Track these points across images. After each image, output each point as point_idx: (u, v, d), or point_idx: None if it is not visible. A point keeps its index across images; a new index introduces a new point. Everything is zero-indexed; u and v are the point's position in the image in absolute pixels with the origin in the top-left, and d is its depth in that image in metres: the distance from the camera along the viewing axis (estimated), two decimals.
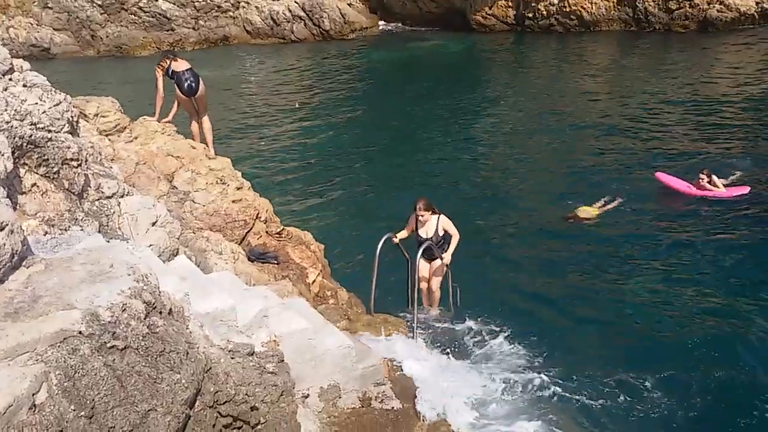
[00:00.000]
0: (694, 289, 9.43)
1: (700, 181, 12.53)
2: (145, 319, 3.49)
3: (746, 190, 12.42)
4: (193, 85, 8.86)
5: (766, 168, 13.40)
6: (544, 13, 32.37)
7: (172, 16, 34.35)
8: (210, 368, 3.77)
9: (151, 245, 5.20)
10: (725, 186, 12.53)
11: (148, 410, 3.25)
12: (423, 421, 5.30)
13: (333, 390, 5.10)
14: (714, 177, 12.52)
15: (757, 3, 28.66)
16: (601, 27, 31.30)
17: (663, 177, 13.10)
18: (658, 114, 17.99)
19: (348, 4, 36.52)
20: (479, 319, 8.74)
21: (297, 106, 22.21)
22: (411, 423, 5.20)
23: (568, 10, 31.77)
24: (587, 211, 11.74)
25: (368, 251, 7.66)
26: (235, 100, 23.65)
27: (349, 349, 5.29)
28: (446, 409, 5.60)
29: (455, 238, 8.51)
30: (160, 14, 34.19)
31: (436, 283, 8.88)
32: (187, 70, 8.86)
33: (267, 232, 8.00)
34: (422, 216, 8.48)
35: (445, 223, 8.52)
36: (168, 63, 8.85)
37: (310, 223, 11.33)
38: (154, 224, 5.48)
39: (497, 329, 8.43)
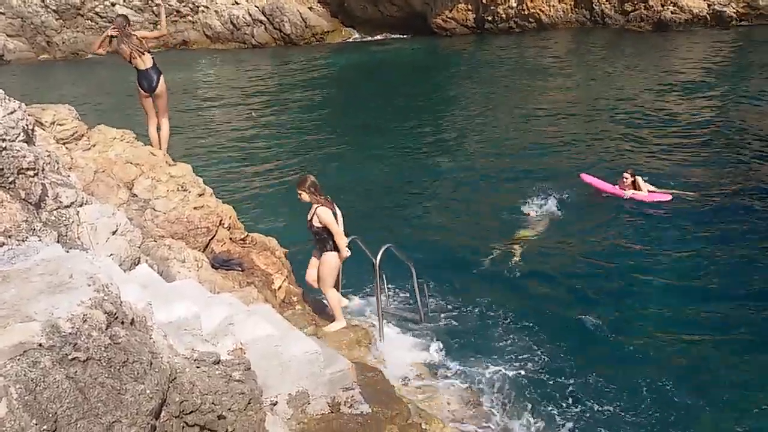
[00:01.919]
0: (636, 294, 9.52)
1: (624, 180, 12.41)
2: (106, 329, 3.42)
3: (668, 197, 12.31)
4: (153, 81, 8.71)
5: (698, 176, 13.38)
6: (504, 16, 32.78)
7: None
8: (175, 378, 3.71)
9: (111, 254, 5.11)
10: (650, 191, 12.40)
11: (113, 422, 3.19)
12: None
13: (301, 396, 5.06)
14: (638, 178, 12.43)
15: (708, 5, 29.43)
16: (559, 29, 31.82)
17: (587, 178, 13.02)
18: (605, 113, 18.33)
19: (309, 8, 36.47)
20: (446, 321, 8.81)
21: (254, 115, 22.11)
22: (381, 427, 5.19)
23: (526, 12, 32.22)
24: (520, 236, 11.37)
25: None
26: (195, 104, 23.45)
27: (317, 354, 5.26)
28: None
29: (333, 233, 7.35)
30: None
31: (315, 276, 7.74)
32: (151, 68, 8.72)
33: (231, 238, 7.93)
34: (299, 196, 7.42)
35: (319, 215, 7.27)
36: (121, 47, 8.58)
37: (273, 228, 11.26)
38: (114, 233, 5.38)
39: (467, 333, 8.52)
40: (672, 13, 29.84)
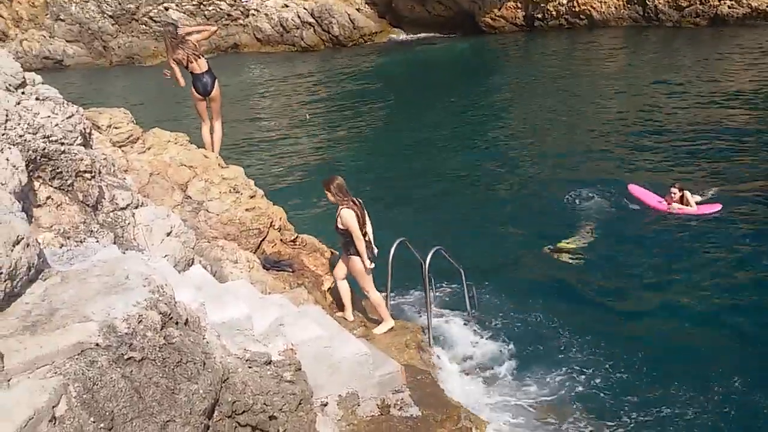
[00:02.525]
0: (673, 311, 9.21)
1: (672, 196, 11.97)
2: (161, 330, 3.49)
3: (718, 207, 11.77)
4: (209, 86, 8.85)
5: (747, 182, 12.82)
6: (554, 13, 32.29)
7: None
8: (227, 378, 3.76)
9: (166, 255, 5.20)
10: (698, 203, 11.92)
11: (167, 421, 3.24)
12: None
13: (351, 398, 5.08)
14: (686, 193, 11.96)
15: None
16: (611, 26, 31.17)
17: (635, 190, 12.60)
18: (656, 119, 17.65)
19: (357, 9, 36.60)
20: (496, 326, 8.72)
21: (308, 117, 22.28)
22: (431, 430, 5.16)
23: (577, 9, 31.66)
24: (565, 246, 11.05)
25: (383, 257, 7.61)
26: (246, 107, 23.76)
27: (366, 356, 5.26)
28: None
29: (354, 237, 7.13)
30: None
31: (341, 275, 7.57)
32: (206, 72, 8.86)
33: (281, 240, 7.99)
34: (326, 195, 7.28)
35: (341, 217, 7.08)
36: (177, 53, 8.73)
37: (324, 230, 11.31)
38: (168, 234, 5.49)
39: (514, 337, 8.43)
40: (729, 7, 28.95)
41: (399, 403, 5.31)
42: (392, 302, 8.02)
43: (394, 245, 7.73)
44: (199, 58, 8.83)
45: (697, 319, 8.91)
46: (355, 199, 7.18)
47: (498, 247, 11.25)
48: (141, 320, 3.43)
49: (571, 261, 10.68)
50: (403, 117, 21.08)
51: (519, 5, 33.23)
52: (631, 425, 6.98)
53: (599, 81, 22.87)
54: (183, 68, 8.90)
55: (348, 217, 6.98)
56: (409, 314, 8.77)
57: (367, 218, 7.28)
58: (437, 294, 9.08)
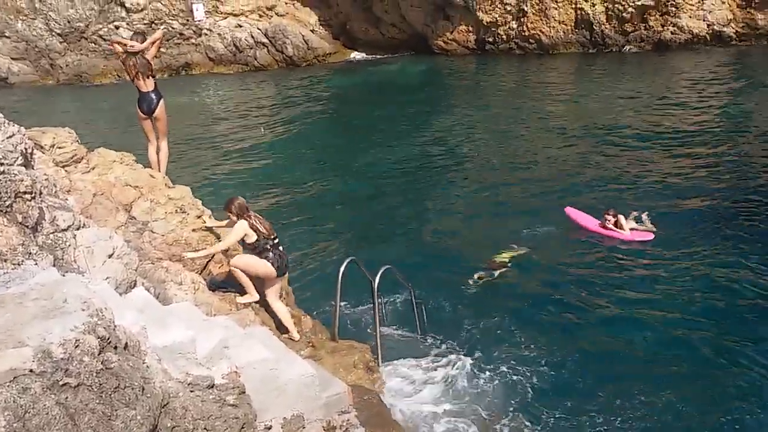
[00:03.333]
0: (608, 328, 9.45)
1: (607, 222, 12.27)
2: (99, 354, 3.42)
3: (650, 236, 12.06)
4: (153, 104, 8.78)
5: (689, 212, 13.06)
6: (504, 37, 33.01)
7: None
8: (167, 403, 3.71)
9: (107, 278, 5.11)
10: (632, 229, 12.18)
11: None
12: None
13: (296, 420, 5.04)
14: (620, 217, 12.23)
15: (708, 25, 29.65)
16: (560, 50, 31.99)
17: (572, 213, 12.88)
18: (600, 140, 18.21)
19: (311, 30, 36.77)
20: (445, 343, 8.81)
21: (262, 131, 22.21)
22: None
23: (527, 34, 32.43)
24: (501, 257, 11.35)
25: (332, 276, 7.63)
26: (196, 127, 23.55)
27: (312, 377, 5.24)
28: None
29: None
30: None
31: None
32: (152, 90, 8.80)
33: (228, 260, 7.92)
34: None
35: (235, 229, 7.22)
36: (129, 61, 8.72)
37: None
38: (110, 256, 5.39)
39: (462, 352, 8.53)
40: (672, 33, 30.03)
41: (345, 424, 5.29)
42: (341, 322, 8.01)
43: (344, 264, 7.75)
44: (148, 78, 8.78)
45: (633, 329, 9.21)
46: (255, 215, 7.34)
47: (444, 265, 11.37)
48: (78, 345, 3.37)
49: (510, 276, 10.91)
50: (354, 137, 21.24)
51: (471, 29, 33.88)
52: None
53: (545, 104, 23.44)
54: (130, 81, 8.88)
55: (237, 226, 7.14)
56: (358, 334, 8.78)
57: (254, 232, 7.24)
58: (386, 311, 9.13)
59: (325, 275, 10.33)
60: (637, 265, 11.30)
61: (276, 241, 7.31)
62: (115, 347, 3.62)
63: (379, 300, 7.90)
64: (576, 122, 20.49)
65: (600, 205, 13.09)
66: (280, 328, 7.36)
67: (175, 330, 4.71)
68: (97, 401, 3.23)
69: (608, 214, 12.31)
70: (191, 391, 4.14)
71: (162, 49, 34.41)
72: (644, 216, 12.59)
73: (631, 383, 8.00)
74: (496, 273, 10.90)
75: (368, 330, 8.74)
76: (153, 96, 8.84)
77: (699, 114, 19.83)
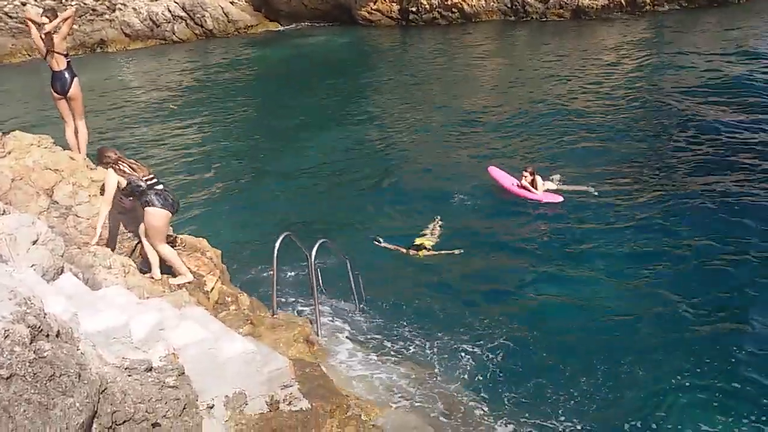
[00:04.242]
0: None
1: (523, 179, 12.61)
2: (30, 344, 3.31)
3: (560, 198, 12.43)
4: (66, 84, 8.39)
5: (604, 171, 13.52)
6: (427, 7, 33.05)
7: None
8: (105, 388, 3.62)
9: (33, 265, 4.93)
10: (545, 191, 12.57)
11: None
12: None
13: (239, 397, 5.02)
14: (537, 177, 12.58)
15: None
16: (482, 18, 32.29)
17: (494, 172, 13.19)
18: (522, 105, 18.64)
19: (230, 2, 35.88)
20: (382, 312, 8.91)
21: (173, 107, 21.66)
22: (321, 422, 5.20)
23: (449, 3, 32.57)
24: (422, 244, 11.22)
25: (267, 252, 7.56)
26: (114, 105, 22.79)
27: (253, 354, 5.22)
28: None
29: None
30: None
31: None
32: (64, 69, 8.42)
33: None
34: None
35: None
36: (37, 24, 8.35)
37: (203, 228, 11.08)
38: (35, 242, 5.19)
39: (398, 321, 8.66)
40: (589, 0, 30.71)
41: (288, 397, 5.30)
42: (279, 297, 7.98)
43: (279, 239, 7.69)
44: (60, 55, 8.40)
45: (557, 294, 9.58)
46: (124, 160, 6.99)
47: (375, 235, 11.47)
48: (8, 335, 3.25)
49: (438, 250, 11.06)
50: (282, 114, 20.99)
51: None
52: (513, 397, 7.38)
53: (469, 73, 23.69)
54: (43, 59, 8.48)
55: (106, 178, 6.87)
56: (297, 308, 8.78)
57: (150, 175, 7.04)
58: (324, 286, 9.14)
59: (260, 252, 10.24)
60: (554, 227, 11.70)
61: (153, 180, 6.97)
62: (47, 335, 3.51)
63: (316, 273, 7.89)
64: (501, 88, 20.85)
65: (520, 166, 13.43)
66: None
67: (108, 315, 4.60)
68: (33, 391, 3.13)
69: (526, 171, 12.66)
70: (129, 375, 4.06)
71: (75, 26, 32.92)
72: (556, 177, 13.05)
73: (548, 343, 8.31)
74: (422, 248, 11.03)
75: (307, 304, 8.74)
76: (66, 75, 8.46)
77: (614, 78, 20.52)
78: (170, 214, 7.06)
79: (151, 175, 7.04)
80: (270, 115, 20.86)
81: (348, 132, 18.09)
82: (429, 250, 10.96)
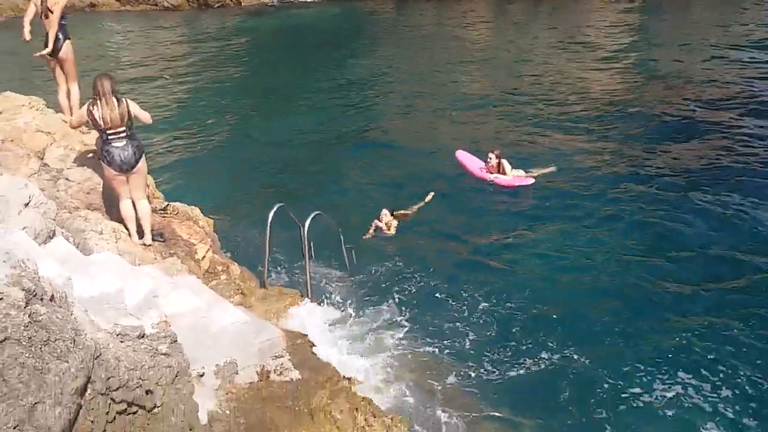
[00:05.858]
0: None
1: (489, 161, 12.29)
2: (25, 307, 3.27)
3: (530, 181, 12.12)
4: (58, 45, 8.17)
5: (575, 155, 13.42)
6: None
7: None
8: (100, 354, 3.61)
9: (25, 228, 4.87)
10: (515, 176, 12.23)
11: (35, 403, 3.07)
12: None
13: (230, 367, 5.03)
14: (504, 161, 12.24)
15: None
16: None
17: (462, 156, 13.00)
18: (508, 88, 18.50)
19: None
20: (373, 284, 8.93)
21: (167, 78, 21.36)
22: (311, 392, 5.22)
23: None
24: (397, 214, 11.17)
25: (260, 223, 7.52)
26: (107, 69, 22.37)
27: (246, 324, 5.23)
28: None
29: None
30: None
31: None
32: (57, 30, 8.21)
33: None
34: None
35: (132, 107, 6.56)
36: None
37: (195, 197, 10.99)
38: (27, 205, 5.14)
39: (389, 293, 8.68)
40: None
41: (279, 368, 5.32)
42: (272, 268, 7.96)
43: (273, 211, 7.65)
44: (52, 14, 8.18)
45: (531, 270, 9.62)
46: (108, 99, 6.46)
47: (372, 212, 11.43)
48: (2, 298, 3.21)
49: (406, 225, 11.03)
50: (269, 81, 20.85)
51: None
52: (494, 372, 7.38)
53: (460, 48, 23.53)
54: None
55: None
56: (288, 280, 8.77)
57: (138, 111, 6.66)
58: (316, 258, 9.14)
59: (253, 222, 10.19)
60: (519, 210, 11.67)
61: (115, 135, 6.43)
62: (42, 299, 3.48)
63: (309, 245, 7.86)
64: (492, 63, 20.78)
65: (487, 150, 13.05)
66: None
67: (101, 280, 4.57)
68: (27, 355, 3.10)
69: (492, 153, 12.31)
70: (122, 342, 4.04)
71: None
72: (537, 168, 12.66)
73: (524, 313, 8.40)
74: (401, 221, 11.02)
75: (298, 276, 8.73)
76: (59, 35, 8.27)
77: (604, 58, 20.57)
78: (119, 174, 6.49)
79: (121, 129, 6.43)
80: (262, 86, 20.62)
81: (342, 108, 17.90)
82: (398, 212, 10.95)
